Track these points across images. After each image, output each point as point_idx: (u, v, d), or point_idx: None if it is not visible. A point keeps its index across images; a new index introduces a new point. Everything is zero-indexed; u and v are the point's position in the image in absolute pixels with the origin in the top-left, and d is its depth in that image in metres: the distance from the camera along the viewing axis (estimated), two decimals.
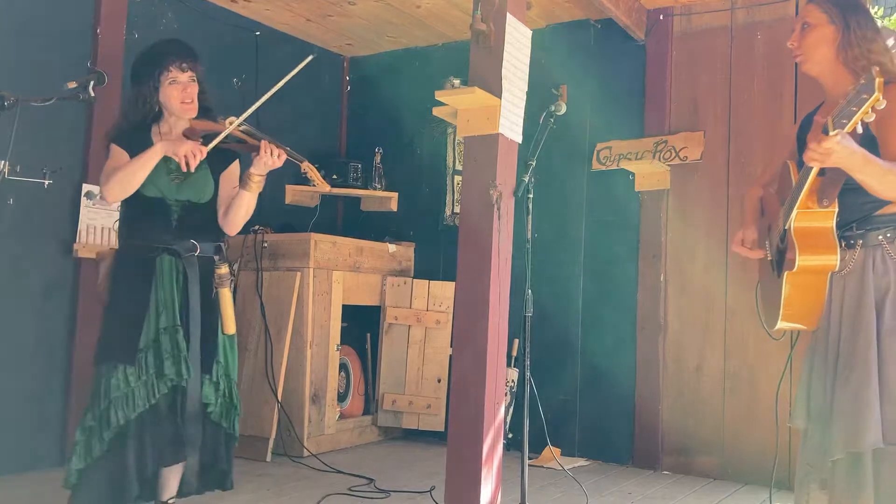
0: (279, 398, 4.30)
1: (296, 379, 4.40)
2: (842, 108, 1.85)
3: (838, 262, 2.11)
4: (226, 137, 2.69)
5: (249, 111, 2.68)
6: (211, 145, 2.65)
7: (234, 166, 2.90)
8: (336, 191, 5.18)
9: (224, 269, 2.78)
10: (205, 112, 2.80)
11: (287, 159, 2.79)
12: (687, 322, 4.37)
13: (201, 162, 2.68)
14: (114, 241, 3.99)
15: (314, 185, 2.89)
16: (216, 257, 2.81)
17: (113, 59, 4.02)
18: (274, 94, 2.74)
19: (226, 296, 2.78)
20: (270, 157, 2.70)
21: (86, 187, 3.92)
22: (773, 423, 4.04)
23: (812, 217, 2.12)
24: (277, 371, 4.33)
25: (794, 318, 2.24)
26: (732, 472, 4.14)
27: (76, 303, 3.93)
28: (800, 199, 2.08)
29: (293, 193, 5.11)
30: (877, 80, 1.81)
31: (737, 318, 4.22)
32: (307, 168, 2.81)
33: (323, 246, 4.55)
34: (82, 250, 3.88)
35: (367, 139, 5.44)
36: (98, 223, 3.94)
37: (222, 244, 2.87)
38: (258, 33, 4.94)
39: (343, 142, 5.65)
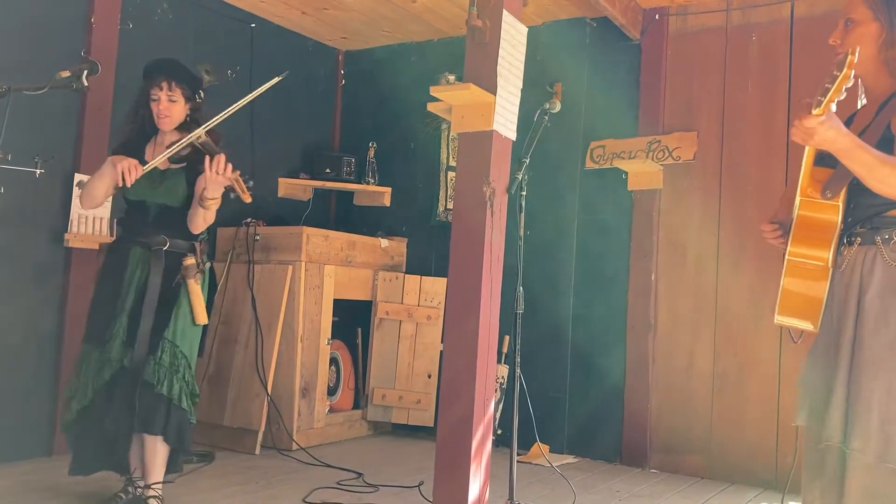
0: (269, 391, 4.30)
1: (286, 372, 4.40)
2: (821, 87, 1.82)
3: (830, 259, 2.07)
4: (195, 147, 2.92)
5: (209, 124, 2.92)
6: (152, 163, 2.93)
7: None
8: (329, 185, 5.18)
9: (189, 261, 3.01)
10: (192, 124, 3.06)
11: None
12: (677, 322, 4.39)
13: (180, 170, 3.04)
14: (105, 232, 3.98)
15: (234, 196, 3.07)
16: (188, 252, 3.05)
17: (107, 50, 4.00)
18: (264, 89, 2.88)
19: (192, 287, 3.00)
20: (214, 173, 2.88)
21: (78, 177, 3.90)
22: (760, 423, 4.09)
23: (815, 207, 2.07)
24: (267, 364, 4.33)
25: (792, 313, 2.19)
26: (720, 471, 4.16)
27: (66, 292, 3.91)
28: (800, 184, 2.05)
29: (286, 187, 5.11)
30: (849, 57, 1.77)
31: (726, 318, 4.24)
32: (233, 179, 2.95)
33: (315, 240, 4.54)
34: (73, 240, 3.87)
35: (360, 133, 5.44)
36: (90, 213, 3.92)
37: (196, 242, 3.10)
38: (253, 25, 4.92)
39: (336, 136, 5.64)
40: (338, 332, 4.82)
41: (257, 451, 4.25)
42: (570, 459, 4.45)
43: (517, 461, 3.07)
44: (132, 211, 3.08)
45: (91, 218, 3.93)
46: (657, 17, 4.53)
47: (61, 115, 3.91)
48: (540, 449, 4.16)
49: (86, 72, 2.50)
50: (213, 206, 2.97)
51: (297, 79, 5.30)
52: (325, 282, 4.56)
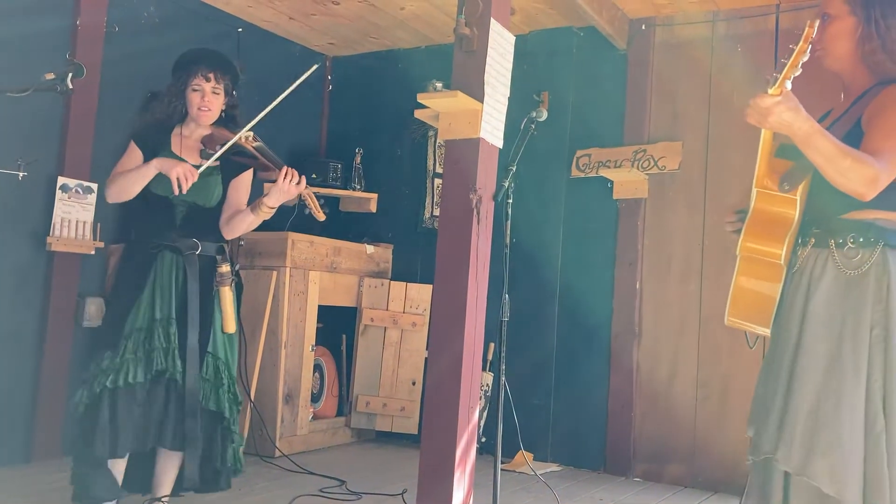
0: (252, 397, 4.27)
1: (269, 379, 4.37)
2: (778, 64, 1.74)
3: (783, 255, 1.98)
4: (242, 151, 2.80)
5: (255, 121, 2.79)
6: (210, 161, 2.76)
7: (246, 175, 2.99)
8: (315, 190, 5.14)
9: (225, 268, 2.86)
10: (228, 121, 2.92)
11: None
12: (661, 330, 4.40)
13: (214, 168, 2.82)
14: (88, 237, 3.94)
15: (308, 212, 2.98)
16: (218, 257, 2.88)
17: (92, 52, 3.97)
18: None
19: (226, 294, 2.85)
20: (289, 184, 2.78)
21: (61, 180, 3.86)
22: (744, 433, 4.09)
23: (772, 201, 1.97)
24: (251, 370, 4.30)
25: (744, 315, 2.11)
26: (703, 480, 4.17)
27: (48, 297, 3.87)
28: (756, 175, 1.96)
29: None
30: (806, 30, 1.70)
31: (711, 327, 4.26)
32: (307, 195, 2.89)
33: (300, 245, 4.52)
34: (56, 243, 3.83)
35: (347, 139, 5.43)
36: (73, 216, 3.89)
37: (224, 244, 2.95)
38: (240, 30, 4.91)
39: (323, 141, 5.63)
40: (322, 338, 4.81)
41: None
42: (554, 467, 4.45)
43: (501, 469, 3.06)
44: (154, 208, 2.83)
45: (74, 221, 3.89)
46: (644, 27, 4.56)
47: (45, 117, 3.88)
48: (524, 457, 4.16)
49: (71, 74, 2.46)
50: (269, 215, 2.85)
51: (284, 83, 5.28)
52: (309, 288, 4.54)
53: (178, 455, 2.82)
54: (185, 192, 2.71)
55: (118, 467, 2.77)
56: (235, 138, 2.75)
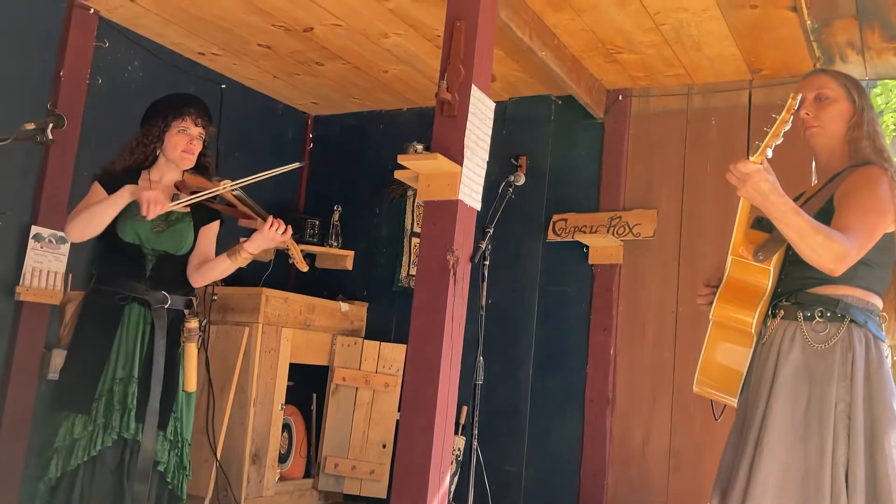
0: (218, 456, 4.17)
1: (236, 437, 4.28)
2: (761, 133, 1.81)
3: (754, 324, 2.03)
4: (215, 198, 2.76)
5: (243, 181, 2.76)
6: (186, 201, 2.69)
7: (215, 224, 2.94)
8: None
9: (193, 324, 2.76)
10: (201, 170, 2.87)
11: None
12: (635, 397, 4.39)
13: (185, 214, 2.76)
14: (59, 287, 3.88)
15: (291, 262, 2.95)
16: (186, 311, 2.79)
17: (74, 104, 3.98)
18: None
19: (191, 351, 2.75)
20: (275, 233, 2.73)
21: (35, 229, 3.83)
22: None
23: (746, 270, 2.03)
24: (218, 428, 4.21)
25: (712, 383, 2.14)
26: None
27: (13, 348, 3.79)
28: (732, 243, 2.02)
29: None
30: (789, 101, 1.77)
31: (684, 394, 4.25)
32: (290, 245, 2.86)
33: (274, 301, 4.49)
34: (25, 293, 3.77)
35: (326, 196, 5.45)
36: (44, 266, 3.84)
37: (193, 298, 2.85)
38: (224, 87, 4.95)
39: (302, 197, 5.64)
40: (292, 397, 4.73)
41: None
42: None
43: None
44: (122, 256, 2.72)
45: (45, 271, 3.84)
46: (620, 97, 4.67)
47: (21, 167, 3.85)
48: None
49: (51, 125, 2.45)
50: (246, 262, 2.78)
51: (266, 140, 5.33)
52: (282, 345, 4.49)
53: None
54: (150, 217, 2.60)
55: None
56: (218, 190, 2.71)
